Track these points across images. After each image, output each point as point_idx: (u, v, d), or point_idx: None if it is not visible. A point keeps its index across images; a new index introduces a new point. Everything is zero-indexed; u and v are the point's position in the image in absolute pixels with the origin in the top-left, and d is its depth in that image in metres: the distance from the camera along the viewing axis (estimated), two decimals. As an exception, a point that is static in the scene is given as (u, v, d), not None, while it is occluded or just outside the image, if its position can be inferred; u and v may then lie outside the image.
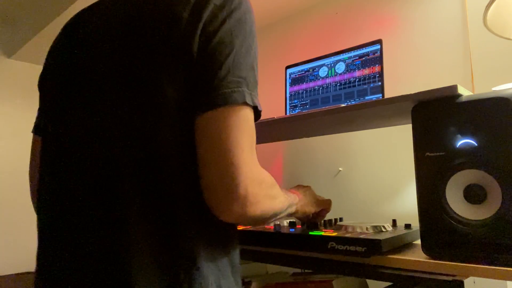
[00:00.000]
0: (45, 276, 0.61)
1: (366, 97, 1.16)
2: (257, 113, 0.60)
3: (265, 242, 0.95)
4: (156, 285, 0.53)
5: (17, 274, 2.00)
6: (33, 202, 0.74)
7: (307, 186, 0.94)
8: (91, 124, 0.59)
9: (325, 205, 0.96)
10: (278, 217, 0.68)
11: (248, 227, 1.05)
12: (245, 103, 0.56)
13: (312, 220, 0.97)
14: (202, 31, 0.56)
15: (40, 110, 0.72)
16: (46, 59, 0.72)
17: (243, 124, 0.55)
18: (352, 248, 0.78)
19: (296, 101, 1.35)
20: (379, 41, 1.17)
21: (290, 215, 0.81)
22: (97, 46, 0.62)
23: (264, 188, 0.59)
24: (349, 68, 1.22)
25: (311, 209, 0.90)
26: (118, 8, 0.64)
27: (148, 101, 0.56)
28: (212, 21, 0.57)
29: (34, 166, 0.72)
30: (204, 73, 0.55)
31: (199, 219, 0.57)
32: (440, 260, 0.73)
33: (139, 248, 0.54)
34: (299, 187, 0.93)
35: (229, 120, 0.54)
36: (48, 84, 0.69)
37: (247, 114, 0.57)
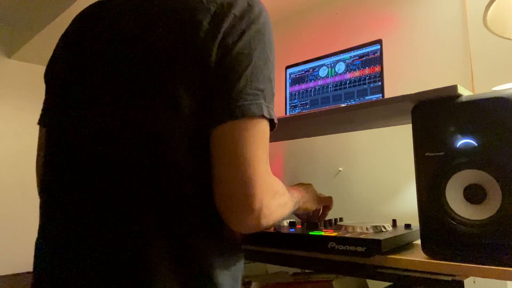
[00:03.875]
0: (46, 281, 0.59)
1: (366, 97, 1.16)
2: (272, 125, 0.59)
3: (265, 242, 0.95)
4: None
5: (17, 274, 2.00)
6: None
7: (309, 184, 0.95)
8: (102, 124, 0.58)
9: (326, 202, 0.96)
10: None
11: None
12: (263, 116, 0.56)
13: (314, 219, 0.97)
14: (221, 42, 0.55)
15: (46, 101, 0.71)
16: (56, 49, 0.70)
17: (260, 136, 0.55)
18: (352, 248, 0.78)
19: (296, 101, 1.35)
20: (379, 41, 1.17)
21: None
22: (113, 43, 0.61)
23: (277, 198, 0.59)
24: (349, 68, 1.22)
25: (312, 205, 0.91)
26: (136, 6, 0.62)
27: (163, 107, 0.55)
28: (232, 32, 0.56)
29: (40, 159, 0.71)
30: (222, 84, 0.55)
31: (213, 230, 0.57)
32: (440, 260, 0.73)
33: (156, 264, 0.52)
34: (300, 185, 0.93)
35: (246, 132, 0.54)
36: (56, 76, 0.68)
37: (264, 126, 0.57)
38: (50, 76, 0.69)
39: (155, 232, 0.53)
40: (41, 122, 0.71)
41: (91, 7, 0.69)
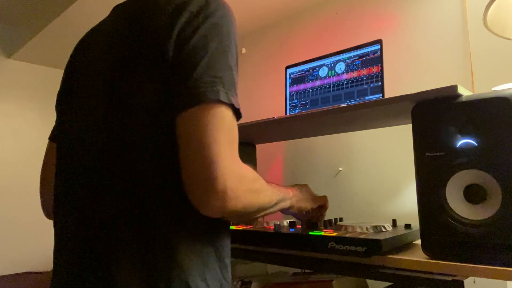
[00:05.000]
0: (54, 275, 0.66)
1: (366, 97, 1.16)
2: (236, 111, 0.61)
3: (265, 242, 0.95)
4: (135, 278, 0.56)
5: (17, 274, 2.00)
6: (42, 204, 0.80)
7: (304, 184, 0.94)
8: (79, 130, 0.67)
9: (321, 201, 0.96)
10: (267, 211, 0.70)
11: (249, 227, 1.05)
12: (220, 101, 0.57)
13: (312, 220, 0.97)
14: (177, 37, 0.59)
15: (56, 120, 0.80)
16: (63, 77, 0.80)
17: (219, 121, 0.57)
18: (352, 248, 0.78)
19: (296, 101, 1.35)
20: (379, 41, 1.17)
21: (284, 210, 0.82)
22: (91, 59, 0.70)
23: (245, 182, 0.60)
24: (349, 68, 1.22)
25: (307, 205, 0.90)
26: (114, 22, 0.71)
27: (127, 103, 0.60)
28: (187, 27, 0.60)
29: (47, 170, 0.79)
30: (180, 76, 0.58)
31: (178, 214, 0.59)
32: (440, 260, 0.73)
33: (118, 244, 0.57)
34: (295, 185, 0.93)
35: (204, 117, 0.56)
36: (59, 97, 0.77)
37: (223, 111, 0.58)
38: (58, 99, 0.78)
39: (119, 212, 0.59)
40: (51, 137, 0.81)
41: (85, 35, 0.78)
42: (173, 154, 0.58)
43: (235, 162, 0.58)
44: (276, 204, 0.73)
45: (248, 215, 0.65)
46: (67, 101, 0.73)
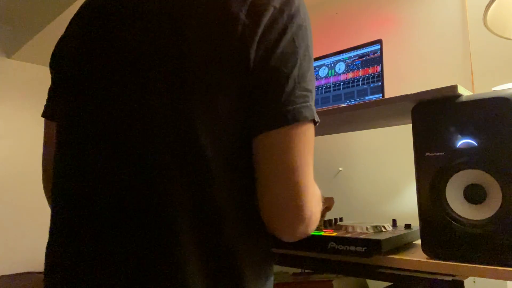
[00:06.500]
0: (59, 277, 0.54)
1: (366, 97, 1.16)
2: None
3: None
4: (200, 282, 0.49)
5: (17, 274, 2.00)
6: (46, 193, 0.68)
7: None
8: (130, 118, 0.51)
9: (328, 202, 0.96)
10: None
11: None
12: (313, 120, 0.52)
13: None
14: (261, 39, 0.50)
15: (53, 91, 0.64)
16: (66, 32, 0.64)
17: (310, 142, 0.52)
18: (352, 248, 0.78)
19: (296, 101, 1.34)
20: (379, 41, 1.17)
21: None
22: (137, 33, 0.54)
23: (320, 204, 0.57)
24: (349, 68, 1.22)
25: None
26: None
27: (198, 112, 0.49)
28: (273, 28, 0.50)
29: (49, 154, 0.64)
30: (268, 87, 0.50)
31: (248, 238, 0.53)
32: (440, 260, 0.73)
33: (188, 258, 0.49)
34: None
35: (298, 138, 0.50)
36: (67, 62, 0.60)
37: (311, 130, 0.53)
38: (58, 63, 0.62)
39: (189, 240, 0.49)
40: (48, 115, 0.64)
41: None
42: (246, 172, 0.51)
43: (314, 183, 0.54)
44: None
45: None
46: (94, 72, 0.56)
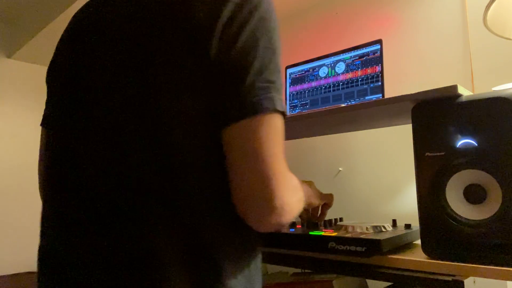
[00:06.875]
0: (52, 276, 0.58)
1: (366, 97, 1.16)
2: (284, 117, 0.57)
3: (266, 242, 0.95)
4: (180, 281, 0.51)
5: (17, 274, 2.00)
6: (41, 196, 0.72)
7: (310, 181, 0.94)
8: (104, 126, 0.56)
9: (328, 198, 0.96)
10: None
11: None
12: (276, 110, 0.53)
13: (313, 219, 0.97)
14: (221, 33, 0.51)
15: (47, 103, 0.69)
16: (55, 50, 0.69)
17: (275, 132, 0.53)
18: (352, 248, 0.78)
19: (296, 101, 1.35)
20: (379, 41, 1.17)
21: None
22: (108, 43, 0.58)
23: (295, 193, 0.58)
24: (349, 68, 1.22)
25: (315, 201, 0.91)
26: (127, 2, 0.60)
27: (165, 109, 0.52)
28: (233, 22, 0.52)
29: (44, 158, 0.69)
30: (229, 81, 0.52)
31: (225, 231, 0.55)
32: (440, 260, 0.73)
33: (166, 264, 0.51)
34: (302, 181, 0.93)
35: (261, 129, 0.51)
36: (55, 77, 0.66)
37: (278, 121, 0.54)
38: (52, 77, 0.68)
39: (166, 233, 0.51)
40: (45, 124, 0.69)
41: (90, 2, 0.67)
42: (219, 165, 0.53)
43: (287, 173, 0.55)
44: None
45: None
46: (74, 85, 0.61)
